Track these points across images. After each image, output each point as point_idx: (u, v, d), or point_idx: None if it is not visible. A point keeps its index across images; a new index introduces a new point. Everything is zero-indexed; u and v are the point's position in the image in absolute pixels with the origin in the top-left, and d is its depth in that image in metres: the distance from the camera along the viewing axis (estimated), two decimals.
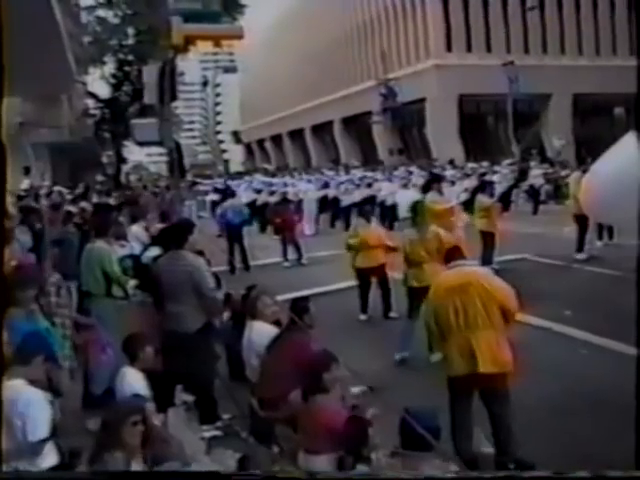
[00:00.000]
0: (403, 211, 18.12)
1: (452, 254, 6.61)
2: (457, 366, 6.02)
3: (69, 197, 20.64)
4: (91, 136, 40.61)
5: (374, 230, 12.34)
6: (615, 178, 6.08)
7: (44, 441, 4.95)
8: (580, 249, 15.40)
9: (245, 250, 17.67)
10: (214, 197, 32.03)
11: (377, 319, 11.66)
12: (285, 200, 22.10)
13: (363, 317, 11.88)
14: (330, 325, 9.00)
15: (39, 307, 6.84)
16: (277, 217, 19.59)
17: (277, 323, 7.34)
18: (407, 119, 54.23)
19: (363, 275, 11.94)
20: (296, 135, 76.45)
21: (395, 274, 11.19)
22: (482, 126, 55.30)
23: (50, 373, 5.51)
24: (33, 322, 6.30)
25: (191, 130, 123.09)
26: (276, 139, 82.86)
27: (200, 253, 8.38)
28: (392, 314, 11.61)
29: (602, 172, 6.47)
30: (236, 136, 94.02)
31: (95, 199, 21.15)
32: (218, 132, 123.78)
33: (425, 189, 15.62)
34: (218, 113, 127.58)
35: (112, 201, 20.69)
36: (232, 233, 18.09)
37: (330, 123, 67.49)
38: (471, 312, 5.99)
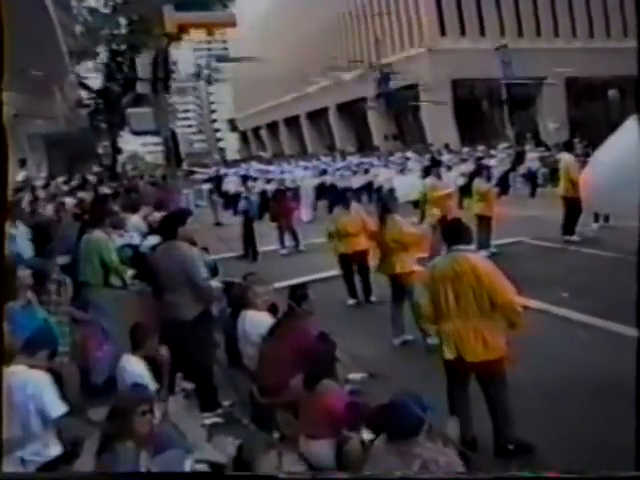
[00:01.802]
0: (401, 197, 18.16)
1: (454, 236, 6.31)
2: (448, 352, 6.04)
3: (66, 188, 20.65)
4: (87, 127, 40.52)
5: (354, 217, 12.24)
6: (613, 169, 6.07)
7: (64, 416, 5.02)
8: (571, 232, 15.35)
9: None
10: (209, 186, 32.10)
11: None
12: (283, 187, 22.12)
13: (351, 302, 11.98)
14: (328, 311, 9.03)
15: (36, 298, 6.87)
16: (275, 204, 19.59)
17: (273, 309, 7.37)
18: (402, 104, 54.13)
19: (345, 260, 12.05)
20: (292, 122, 76.29)
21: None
22: (477, 110, 55.20)
23: (52, 365, 5.56)
24: (30, 313, 6.33)
25: (187, 119, 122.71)
26: (272, 127, 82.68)
27: (192, 243, 8.38)
28: (372, 298, 11.82)
29: (601, 164, 6.44)
30: (232, 124, 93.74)
31: (92, 189, 21.13)
32: (214, 120, 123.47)
33: (426, 174, 15.71)
34: (212, 102, 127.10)
35: (108, 191, 20.68)
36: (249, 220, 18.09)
37: (325, 110, 67.34)
38: (463, 301, 5.95)
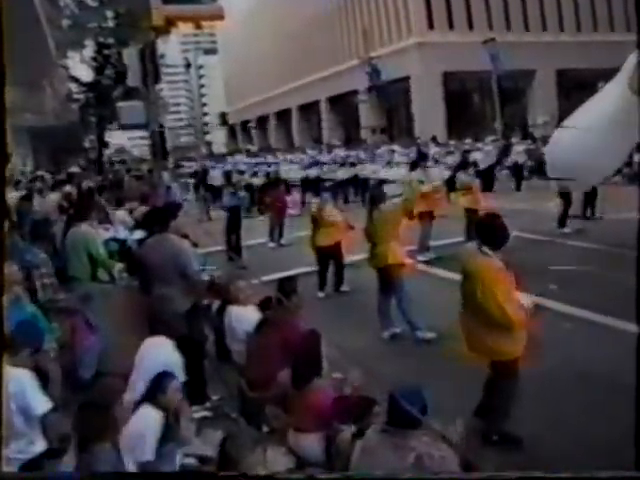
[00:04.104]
0: (387, 190, 18.19)
1: (483, 235, 6.02)
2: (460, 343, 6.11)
3: (52, 182, 20.58)
4: (76, 120, 40.37)
5: (332, 209, 12.74)
6: (578, 139, 6.08)
7: (50, 412, 4.97)
8: (563, 224, 15.53)
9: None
10: (193, 180, 32.24)
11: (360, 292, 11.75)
12: (276, 180, 22.06)
13: (321, 294, 12.14)
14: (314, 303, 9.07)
15: (27, 291, 6.83)
16: (268, 196, 19.56)
17: (267, 304, 7.34)
18: (393, 97, 54.17)
19: (322, 253, 12.28)
20: (282, 116, 76.19)
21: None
22: (468, 103, 55.21)
23: (38, 361, 5.51)
24: (20, 307, 6.29)
25: (178, 112, 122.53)
26: (262, 120, 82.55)
27: (184, 236, 8.36)
28: (343, 288, 12.26)
29: (566, 134, 6.45)
30: (223, 118, 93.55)
31: (78, 183, 21.04)
32: (205, 114, 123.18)
33: (413, 167, 15.77)
34: (203, 95, 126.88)
35: (94, 185, 20.62)
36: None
37: (317, 103, 67.23)
38: (470, 300, 5.95)
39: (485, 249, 5.91)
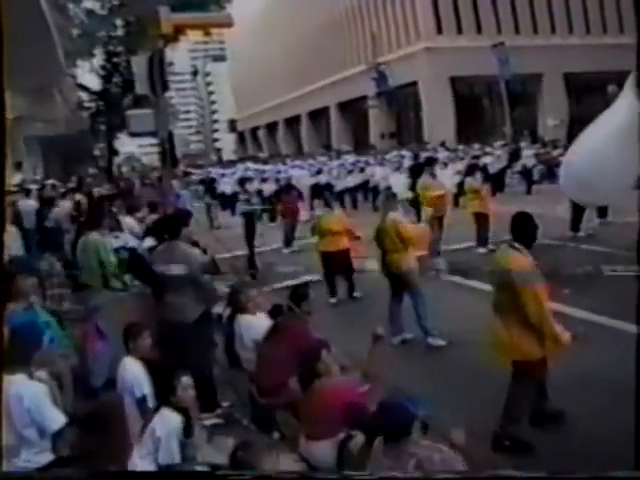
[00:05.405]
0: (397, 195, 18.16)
1: (514, 229, 6.48)
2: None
3: (62, 190, 20.63)
4: (86, 129, 40.49)
5: (337, 217, 12.63)
6: (591, 158, 6.03)
7: (64, 428, 4.96)
8: (576, 229, 15.40)
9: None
10: (201, 187, 32.34)
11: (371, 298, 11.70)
12: (288, 186, 22.07)
13: (333, 300, 12.09)
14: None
15: (42, 299, 6.82)
16: (281, 203, 19.57)
17: (277, 310, 7.33)
18: (403, 102, 54.12)
19: (327, 259, 12.19)
20: (292, 122, 76.16)
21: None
22: (476, 108, 55.00)
23: (52, 367, 5.51)
24: (31, 315, 6.27)
25: (187, 120, 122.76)
26: (271, 127, 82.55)
27: (194, 243, 8.37)
28: (356, 294, 12.16)
29: (579, 153, 6.41)
30: (232, 125, 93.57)
31: (88, 192, 21.10)
32: (215, 121, 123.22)
33: (413, 173, 15.71)
34: (213, 102, 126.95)
35: (105, 192, 20.67)
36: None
37: (327, 109, 67.20)
38: (500, 298, 6.19)
39: (517, 245, 6.24)
